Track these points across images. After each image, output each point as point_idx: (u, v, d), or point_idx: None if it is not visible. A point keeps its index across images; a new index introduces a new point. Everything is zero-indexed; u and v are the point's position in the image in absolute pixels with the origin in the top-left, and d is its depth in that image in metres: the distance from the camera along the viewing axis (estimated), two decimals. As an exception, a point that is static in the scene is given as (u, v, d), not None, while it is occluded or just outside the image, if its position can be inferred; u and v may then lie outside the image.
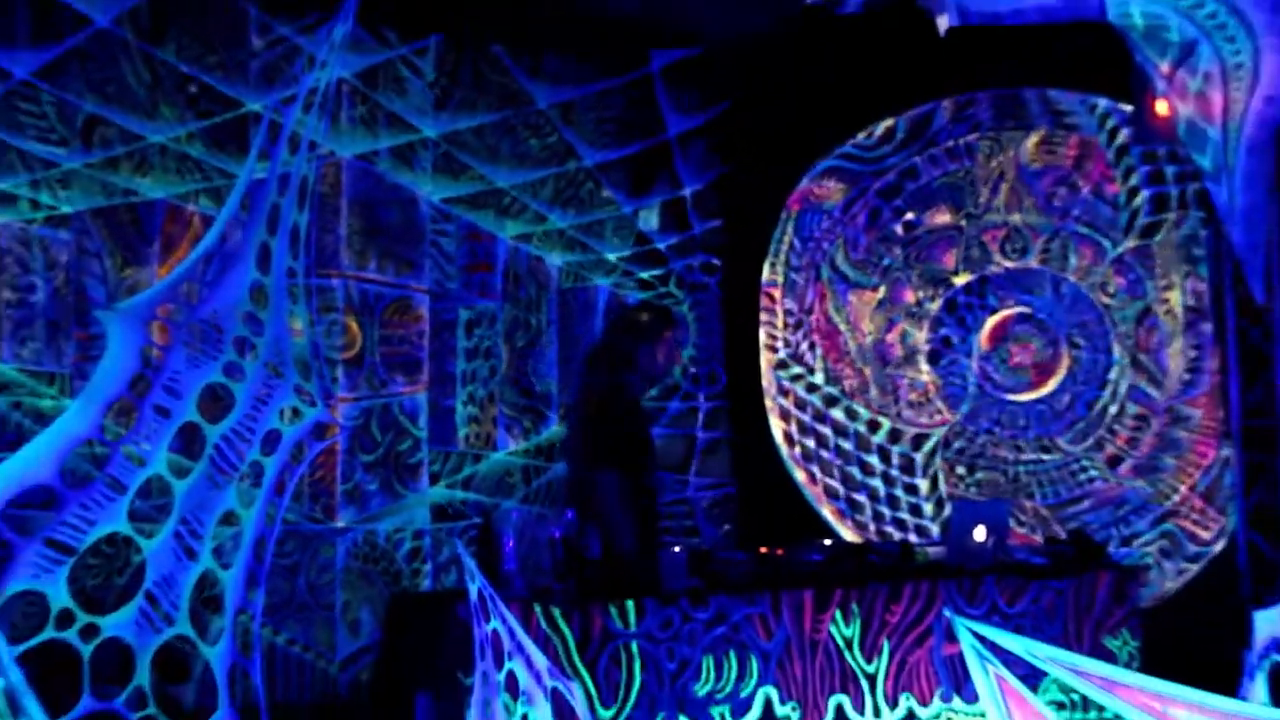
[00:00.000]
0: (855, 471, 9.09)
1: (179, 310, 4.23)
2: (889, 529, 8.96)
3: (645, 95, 8.74)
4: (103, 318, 4.17)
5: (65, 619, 3.81)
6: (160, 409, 4.01)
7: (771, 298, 9.09)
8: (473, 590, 4.08)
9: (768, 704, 5.55)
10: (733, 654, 5.48)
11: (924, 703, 5.91)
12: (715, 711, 5.44)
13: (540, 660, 3.96)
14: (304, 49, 7.42)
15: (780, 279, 9.15)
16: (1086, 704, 5.82)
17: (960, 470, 9.11)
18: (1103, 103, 8.75)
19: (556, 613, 5.15)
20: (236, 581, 4.01)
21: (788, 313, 9.11)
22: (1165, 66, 7.28)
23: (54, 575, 3.83)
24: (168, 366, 4.07)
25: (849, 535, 8.84)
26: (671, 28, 8.60)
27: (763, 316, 9.11)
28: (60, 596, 3.82)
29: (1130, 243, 8.88)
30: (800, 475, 9.00)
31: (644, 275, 8.79)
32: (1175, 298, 8.82)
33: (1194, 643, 6.60)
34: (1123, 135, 8.74)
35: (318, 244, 7.73)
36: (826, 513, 8.96)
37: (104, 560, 4.11)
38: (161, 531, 3.97)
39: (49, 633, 3.79)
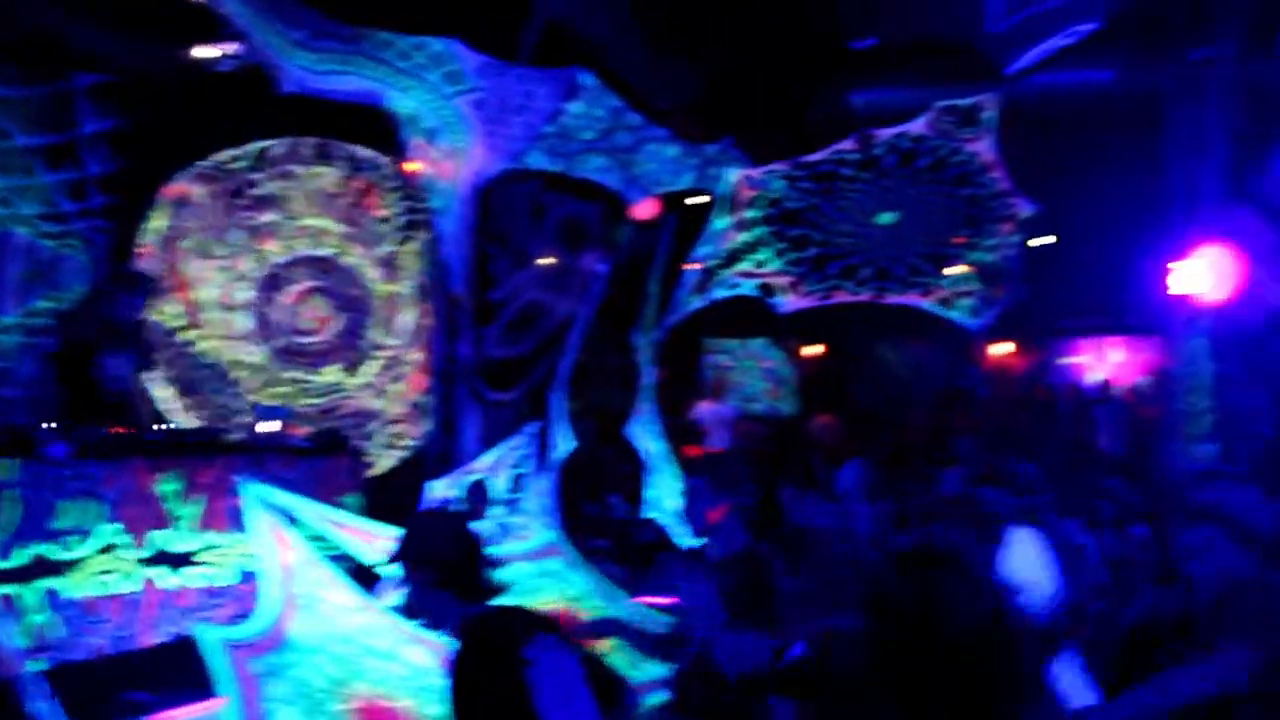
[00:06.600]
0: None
1: None
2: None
3: (67, 101, 7.92)
4: None
5: None
6: None
7: (143, 253, 8.49)
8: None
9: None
10: (92, 501, 5.28)
11: (221, 533, 5.91)
12: (71, 540, 5.22)
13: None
14: None
15: (155, 242, 8.61)
16: (324, 537, 6.06)
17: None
18: (381, 157, 8.89)
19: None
20: None
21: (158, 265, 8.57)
22: (419, 140, 7.63)
23: None
24: None
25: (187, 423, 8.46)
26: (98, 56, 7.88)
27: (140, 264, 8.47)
28: None
29: (391, 248, 9.11)
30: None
31: (50, 229, 7.97)
32: (413, 285, 9.15)
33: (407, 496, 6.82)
34: (393, 180, 8.93)
35: None
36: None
37: None
38: None
39: None
